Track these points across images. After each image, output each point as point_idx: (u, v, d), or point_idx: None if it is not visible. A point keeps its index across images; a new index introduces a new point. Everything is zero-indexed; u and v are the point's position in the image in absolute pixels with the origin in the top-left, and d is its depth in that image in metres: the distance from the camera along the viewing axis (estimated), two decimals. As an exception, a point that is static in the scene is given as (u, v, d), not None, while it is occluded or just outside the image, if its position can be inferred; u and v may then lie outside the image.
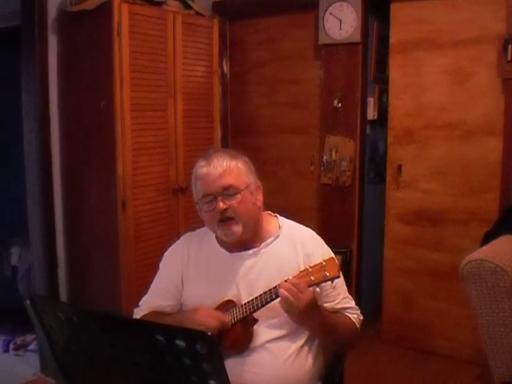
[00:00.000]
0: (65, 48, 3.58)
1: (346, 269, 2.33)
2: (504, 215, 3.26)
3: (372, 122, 4.38)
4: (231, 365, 1.29)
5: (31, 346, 4.09)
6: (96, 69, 3.44)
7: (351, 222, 4.25)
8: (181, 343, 1.28)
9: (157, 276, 2.14)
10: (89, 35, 3.45)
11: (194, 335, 1.30)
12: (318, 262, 1.76)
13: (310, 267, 1.75)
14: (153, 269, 2.17)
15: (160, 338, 1.30)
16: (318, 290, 1.91)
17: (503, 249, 2.34)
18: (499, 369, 2.20)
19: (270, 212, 2.12)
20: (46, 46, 3.52)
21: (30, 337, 4.16)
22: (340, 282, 1.99)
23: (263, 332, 1.91)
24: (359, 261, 4.31)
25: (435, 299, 4.00)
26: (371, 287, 4.37)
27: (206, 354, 1.26)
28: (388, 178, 4.15)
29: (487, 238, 2.70)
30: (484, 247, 2.41)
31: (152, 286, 2.14)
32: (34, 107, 3.53)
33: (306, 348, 1.96)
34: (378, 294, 4.28)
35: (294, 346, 1.93)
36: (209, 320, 1.84)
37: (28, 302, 1.50)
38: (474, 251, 2.36)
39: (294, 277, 1.75)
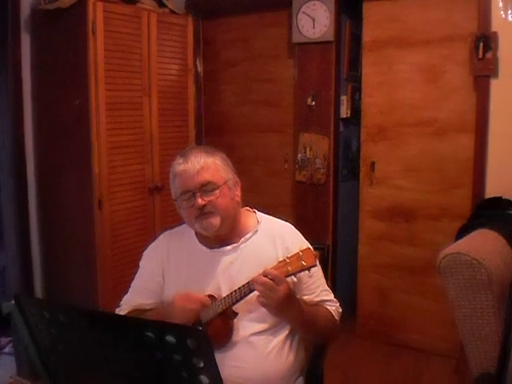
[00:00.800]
0: (39, 46, 3.55)
1: (323, 265, 2.34)
2: (477, 210, 3.31)
3: (345, 119, 4.42)
4: (213, 360, 1.29)
5: (7, 349, 4.02)
6: (70, 67, 3.41)
7: (326, 218, 4.28)
8: (171, 339, 1.28)
9: (137, 275, 2.13)
10: (63, 34, 3.42)
11: (184, 330, 1.30)
12: (295, 253, 1.76)
13: (288, 258, 1.76)
14: (129, 267, 2.17)
15: (150, 334, 1.30)
16: (295, 279, 1.92)
17: (479, 242, 2.39)
18: (477, 360, 2.24)
19: (248, 208, 2.14)
20: (19, 45, 3.49)
21: (4, 339, 4.10)
22: (319, 274, 2.03)
23: (245, 326, 1.92)
24: (334, 257, 4.35)
25: (409, 294, 4.05)
26: (346, 283, 4.41)
27: (197, 349, 1.26)
28: (361, 175, 4.19)
29: (462, 233, 2.74)
30: (460, 241, 2.45)
31: (132, 284, 2.13)
32: (7, 106, 3.49)
33: (287, 342, 1.98)
34: (353, 289, 4.32)
35: (276, 339, 1.94)
36: (187, 303, 1.85)
37: (13, 301, 1.49)
38: (449, 245, 2.40)
39: (271, 268, 1.75)
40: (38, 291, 3.70)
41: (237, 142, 4.70)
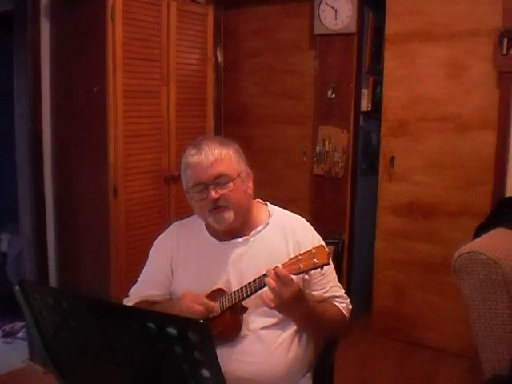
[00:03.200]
0: (58, 33, 3.54)
1: (337, 260, 2.31)
2: (497, 208, 3.26)
3: (365, 113, 4.37)
4: (220, 354, 1.27)
5: (20, 334, 4.07)
6: (89, 54, 3.40)
7: (343, 213, 4.25)
8: (172, 331, 1.26)
9: (146, 265, 2.13)
10: (82, 20, 3.41)
11: (185, 323, 1.28)
12: (307, 250, 1.72)
13: (300, 254, 1.72)
14: (143, 257, 2.15)
15: (151, 325, 1.28)
16: (306, 277, 1.90)
17: (496, 241, 2.34)
18: (490, 361, 2.20)
19: (260, 200, 2.10)
20: (39, 31, 3.48)
21: (18, 324, 4.14)
22: (330, 270, 1.98)
23: (253, 320, 1.89)
24: (350, 252, 4.31)
25: (426, 291, 4.01)
26: (362, 279, 4.37)
27: (198, 342, 1.25)
28: (380, 170, 4.15)
29: (480, 231, 2.70)
30: (477, 240, 2.41)
31: (141, 275, 2.12)
32: (26, 92, 3.49)
33: (296, 337, 1.95)
34: (369, 285, 4.28)
35: (285, 334, 1.92)
36: (193, 306, 1.82)
37: (17, 287, 1.48)
38: (466, 244, 2.35)
39: (283, 264, 1.72)
40: (52, 277, 3.72)
41: (256, 133, 4.68)
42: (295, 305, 1.75)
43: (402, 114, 4.00)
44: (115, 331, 1.38)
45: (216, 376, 1.27)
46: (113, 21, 3.27)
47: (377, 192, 4.19)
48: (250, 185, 1.99)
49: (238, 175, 1.92)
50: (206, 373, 1.28)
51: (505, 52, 3.47)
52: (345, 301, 2.04)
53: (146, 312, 1.44)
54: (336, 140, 4.18)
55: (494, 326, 2.18)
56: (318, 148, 4.26)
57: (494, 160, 3.65)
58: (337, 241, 2.39)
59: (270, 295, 1.71)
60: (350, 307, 2.06)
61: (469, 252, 2.23)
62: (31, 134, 3.52)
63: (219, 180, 1.87)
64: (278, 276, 1.68)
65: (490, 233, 2.52)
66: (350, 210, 4.26)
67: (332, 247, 2.26)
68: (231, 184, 1.88)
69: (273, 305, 1.72)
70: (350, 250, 4.30)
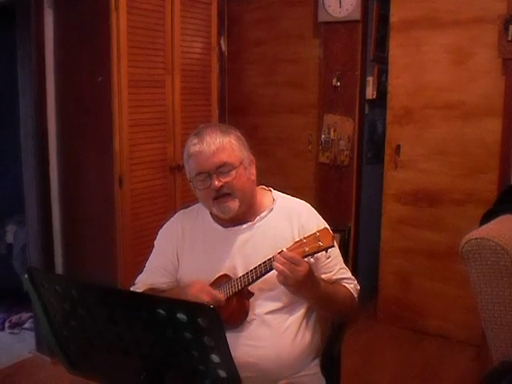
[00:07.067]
0: (61, 23, 3.52)
1: (344, 248, 2.31)
2: (503, 195, 3.24)
3: (371, 101, 4.35)
4: (227, 339, 1.27)
5: (27, 324, 4.08)
6: (93, 44, 3.39)
7: (349, 201, 4.24)
8: (182, 317, 1.26)
9: (152, 254, 2.13)
10: (86, 10, 3.39)
11: (195, 308, 1.29)
12: (311, 233, 1.74)
13: (304, 238, 1.74)
14: (149, 246, 2.16)
15: (161, 311, 1.29)
16: (312, 260, 1.89)
17: (503, 228, 2.32)
18: (498, 348, 2.19)
19: (263, 186, 2.11)
20: (43, 22, 3.46)
21: (25, 315, 4.16)
22: (336, 252, 2.00)
23: (260, 305, 1.90)
24: (356, 240, 4.30)
25: (432, 279, 4.01)
26: (368, 267, 4.36)
27: (208, 327, 1.25)
28: (386, 158, 4.14)
29: (486, 218, 2.68)
30: (484, 226, 2.39)
31: (147, 263, 2.13)
32: (30, 84, 3.48)
33: (303, 321, 1.96)
34: (375, 273, 4.28)
35: (291, 318, 1.93)
36: (201, 295, 1.81)
37: (26, 275, 1.48)
38: (472, 231, 2.34)
39: (288, 248, 1.73)
40: (59, 268, 3.72)
41: (260, 122, 4.67)
42: (309, 283, 1.75)
43: (408, 101, 3.99)
44: (124, 318, 1.38)
45: (226, 361, 1.27)
46: (116, 10, 3.25)
47: (382, 180, 4.18)
48: (253, 171, 2.00)
49: (241, 163, 1.92)
50: (215, 358, 1.28)
51: (510, 39, 3.46)
52: (353, 282, 2.05)
53: (155, 298, 1.44)
54: (341, 128, 4.16)
55: (501, 313, 2.18)
56: (323, 136, 4.25)
57: (500, 147, 3.64)
58: (343, 229, 2.39)
59: (280, 278, 1.72)
60: (358, 288, 2.07)
61: (476, 238, 2.22)
62: (36, 125, 3.52)
63: (222, 169, 1.88)
64: (286, 258, 1.69)
65: (496, 219, 2.50)
66: (356, 199, 4.25)
67: (338, 235, 2.25)
68: (234, 172, 1.89)
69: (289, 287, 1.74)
70: (356, 239, 4.29)
